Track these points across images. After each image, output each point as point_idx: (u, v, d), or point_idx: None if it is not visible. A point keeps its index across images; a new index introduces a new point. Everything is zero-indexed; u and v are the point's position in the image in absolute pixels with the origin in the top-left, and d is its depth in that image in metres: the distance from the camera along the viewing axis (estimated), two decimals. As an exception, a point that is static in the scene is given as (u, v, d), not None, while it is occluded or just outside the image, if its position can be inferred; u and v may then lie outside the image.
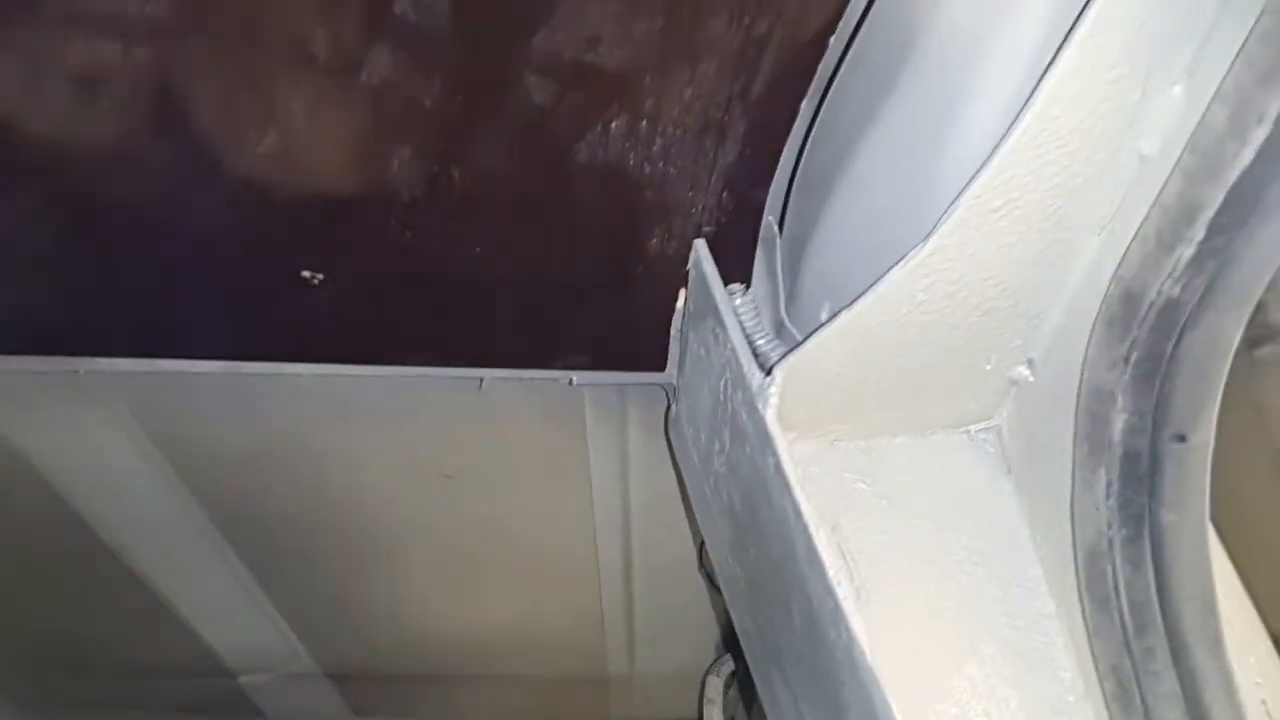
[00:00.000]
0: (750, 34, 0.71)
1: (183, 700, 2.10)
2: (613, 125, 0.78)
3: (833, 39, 0.73)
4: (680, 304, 0.97)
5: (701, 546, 1.53)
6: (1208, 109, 0.52)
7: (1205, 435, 0.61)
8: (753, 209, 0.87)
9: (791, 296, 0.83)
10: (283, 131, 0.80)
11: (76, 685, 2.04)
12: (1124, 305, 0.60)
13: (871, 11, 0.70)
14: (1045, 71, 0.56)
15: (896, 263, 0.65)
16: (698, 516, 1.09)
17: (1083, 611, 0.68)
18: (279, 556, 1.60)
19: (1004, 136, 0.58)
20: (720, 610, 1.73)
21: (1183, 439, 0.61)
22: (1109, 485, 0.64)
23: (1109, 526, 0.65)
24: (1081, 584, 0.68)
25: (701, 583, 1.62)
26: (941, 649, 0.69)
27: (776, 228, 0.87)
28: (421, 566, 1.65)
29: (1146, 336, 0.58)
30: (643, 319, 0.99)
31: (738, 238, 0.89)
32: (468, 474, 1.38)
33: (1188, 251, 0.53)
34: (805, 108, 0.78)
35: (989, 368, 0.74)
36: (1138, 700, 0.66)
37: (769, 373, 0.73)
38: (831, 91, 0.76)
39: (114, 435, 1.24)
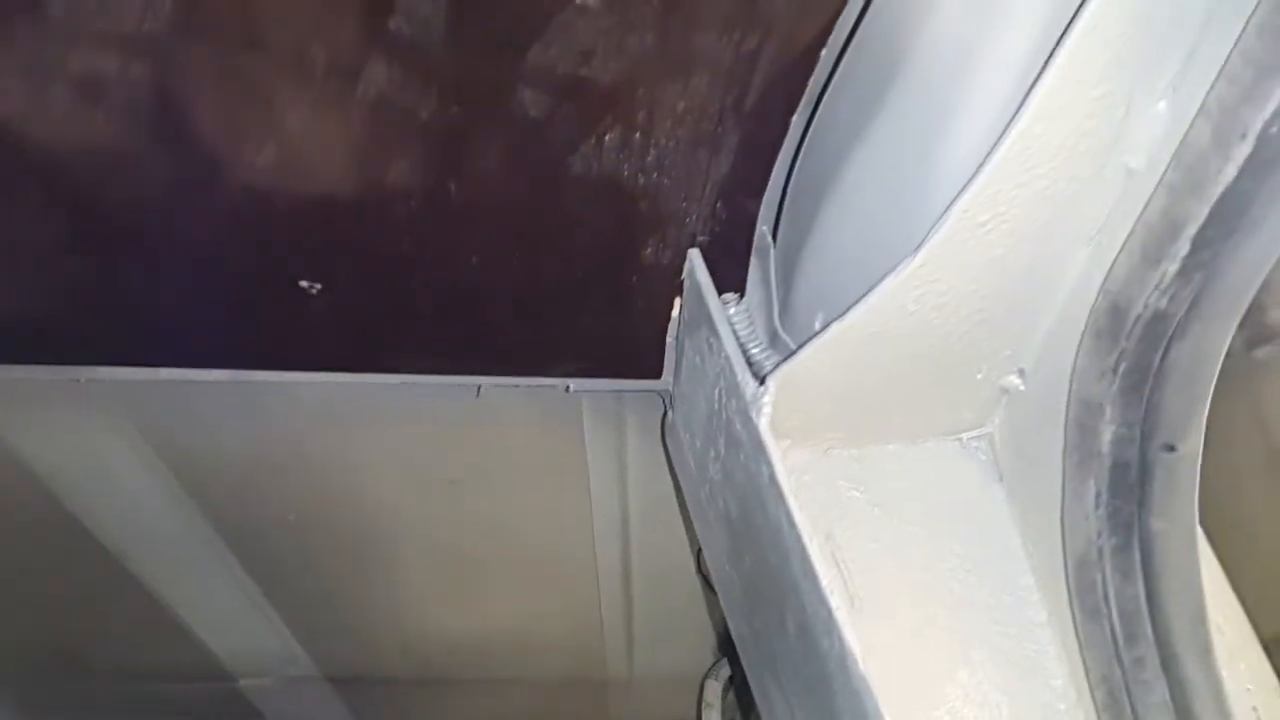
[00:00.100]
0: (741, 48, 0.72)
1: (183, 703, 2.11)
2: (607, 137, 0.79)
3: (823, 53, 0.74)
4: (676, 312, 0.98)
5: (699, 551, 1.53)
6: (1192, 125, 0.52)
7: (1194, 445, 0.62)
8: (746, 219, 0.88)
9: (785, 306, 0.84)
10: (281, 143, 0.81)
11: (78, 688, 2.05)
12: (1111, 317, 0.60)
13: (861, 26, 0.71)
14: (1032, 87, 0.57)
15: (887, 274, 0.66)
16: (694, 522, 1.09)
17: (1073, 620, 0.69)
18: (279, 561, 1.60)
19: (991, 151, 0.59)
20: (718, 614, 1.74)
21: (1171, 449, 0.62)
22: (1098, 495, 0.64)
23: (1098, 535, 0.65)
24: (1072, 593, 0.68)
25: (699, 587, 1.63)
26: (933, 656, 0.70)
27: (770, 237, 0.87)
28: (421, 571, 1.65)
29: (1134, 348, 0.59)
30: (639, 327, 1.00)
31: (732, 247, 0.90)
32: (467, 480, 1.38)
33: (1173, 266, 0.54)
34: (797, 120, 0.79)
35: (980, 377, 0.75)
36: (1128, 709, 0.66)
37: (763, 382, 0.74)
38: (823, 104, 0.77)
39: (115, 443, 1.25)
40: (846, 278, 0.73)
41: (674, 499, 1.37)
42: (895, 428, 0.80)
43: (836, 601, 0.66)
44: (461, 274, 0.93)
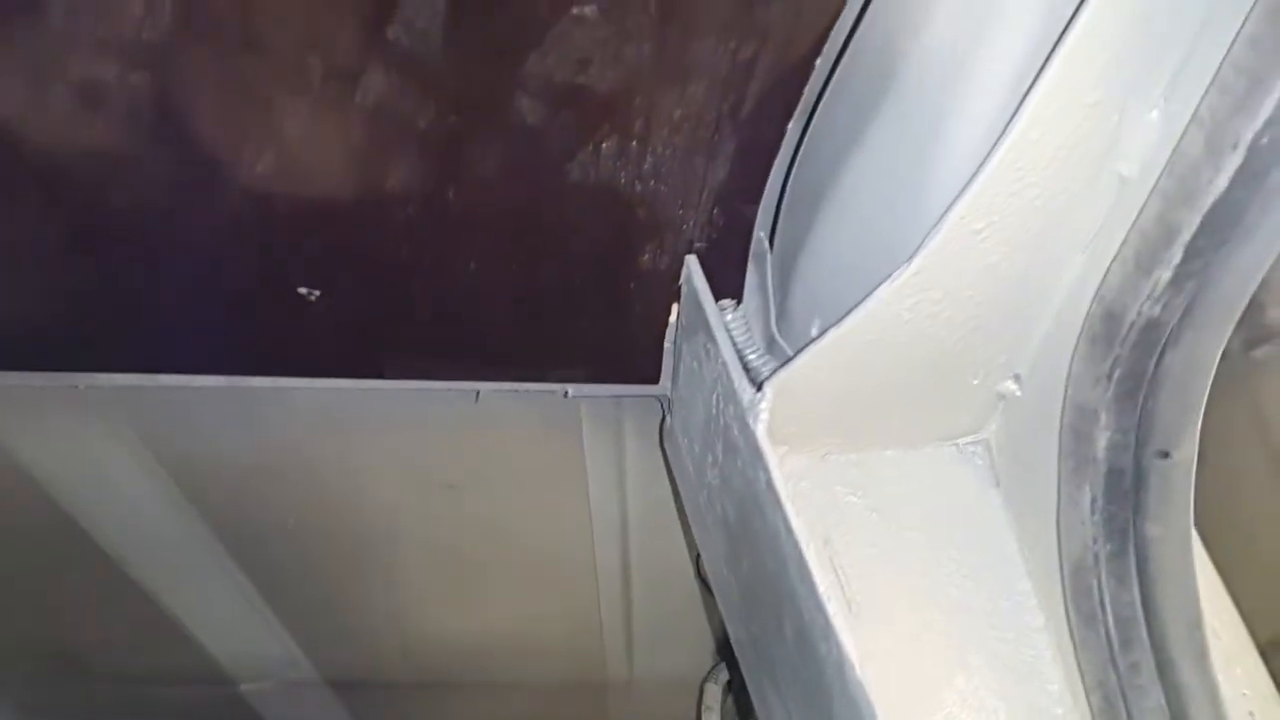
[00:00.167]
0: (738, 56, 0.72)
1: (183, 707, 2.11)
2: (604, 145, 0.79)
3: (819, 60, 0.74)
4: (673, 318, 0.98)
5: (698, 555, 1.53)
6: (1184, 134, 0.53)
7: (1188, 451, 0.62)
8: (743, 225, 0.88)
9: (782, 312, 0.84)
10: (280, 150, 0.81)
11: (78, 692, 2.05)
12: (1106, 324, 0.60)
13: (856, 34, 0.71)
14: (1026, 94, 0.57)
15: (883, 281, 0.66)
16: (693, 526, 1.10)
17: (1069, 625, 0.69)
18: (279, 566, 1.60)
19: (986, 158, 0.59)
20: (717, 618, 1.74)
21: (1166, 455, 0.62)
22: (1094, 501, 0.65)
23: (1094, 541, 0.66)
24: (1068, 598, 0.68)
25: (699, 591, 1.63)
26: (931, 662, 0.70)
27: (767, 244, 0.87)
28: (421, 575, 1.66)
29: (1128, 355, 0.59)
30: (637, 332, 1.00)
31: (729, 253, 0.90)
32: (467, 485, 1.38)
33: (1166, 274, 0.54)
34: (793, 127, 0.79)
35: (976, 382, 0.75)
36: (1124, 714, 0.66)
37: (760, 388, 0.74)
38: (819, 111, 0.77)
39: (115, 449, 1.25)
40: (843, 284, 0.73)
41: (672, 503, 1.37)
42: (892, 433, 0.80)
43: (833, 607, 0.66)
44: (460, 280, 0.93)
